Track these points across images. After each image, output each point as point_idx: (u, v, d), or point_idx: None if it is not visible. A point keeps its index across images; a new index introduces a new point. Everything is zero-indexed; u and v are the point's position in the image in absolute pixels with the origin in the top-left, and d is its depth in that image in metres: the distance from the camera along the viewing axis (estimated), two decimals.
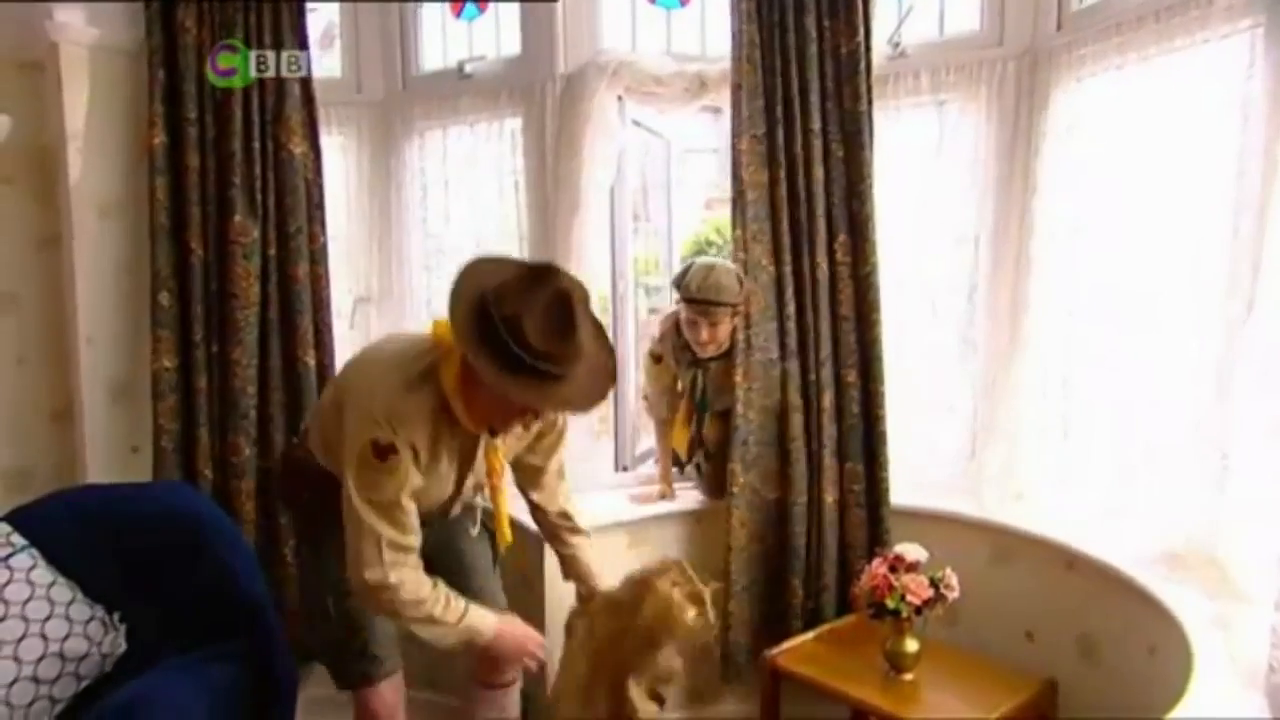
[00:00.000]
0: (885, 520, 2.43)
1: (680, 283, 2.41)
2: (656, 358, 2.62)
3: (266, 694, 2.00)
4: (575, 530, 2.01)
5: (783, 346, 2.42)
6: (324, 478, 1.72)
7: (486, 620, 1.72)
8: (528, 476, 1.96)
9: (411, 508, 1.61)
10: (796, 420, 2.41)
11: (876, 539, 2.41)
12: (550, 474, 1.96)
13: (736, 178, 2.38)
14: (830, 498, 2.43)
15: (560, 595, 2.39)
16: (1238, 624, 1.70)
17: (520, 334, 1.46)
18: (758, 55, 2.35)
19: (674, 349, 2.57)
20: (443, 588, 1.67)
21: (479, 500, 1.95)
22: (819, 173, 2.37)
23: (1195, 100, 1.98)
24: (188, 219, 2.44)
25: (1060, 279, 2.33)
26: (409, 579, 1.60)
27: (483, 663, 1.98)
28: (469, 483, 1.81)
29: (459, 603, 1.68)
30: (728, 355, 2.46)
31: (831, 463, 2.43)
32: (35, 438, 2.56)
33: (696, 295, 2.36)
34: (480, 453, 1.76)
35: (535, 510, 2.00)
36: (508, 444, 1.82)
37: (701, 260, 2.46)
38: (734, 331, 2.41)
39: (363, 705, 1.82)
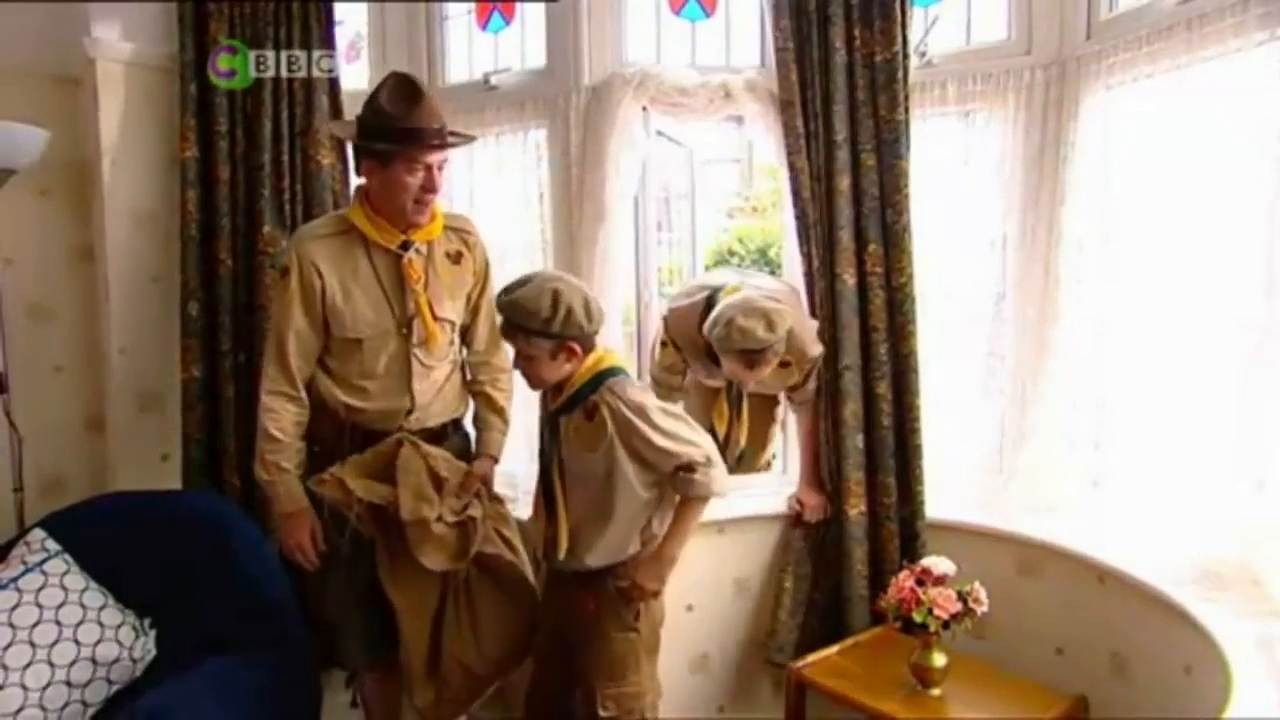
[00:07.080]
0: (921, 534, 2.40)
1: (712, 330, 2.25)
2: (664, 343, 2.55)
3: (291, 700, 2.02)
4: (493, 408, 2.13)
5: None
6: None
7: (294, 499, 1.91)
8: (465, 340, 2.12)
9: (302, 340, 1.89)
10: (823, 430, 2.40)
11: (910, 553, 2.37)
12: (480, 335, 2.10)
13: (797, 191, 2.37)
14: (853, 511, 2.40)
15: None
16: (1279, 643, 1.66)
17: (375, 105, 1.84)
18: (793, 65, 2.33)
19: (694, 348, 2.46)
20: (296, 451, 1.92)
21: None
22: (844, 182, 2.34)
23: (1229, 108, 1.95)
24: (217, 230, 2.48)
25: (1090, 288, 2.30)
26: (276, 408, 1.91)
27: None
28: (412, 319, 1.93)
29: (292, 468, 1.91)
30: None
31: (857, 475, 2.40)
32: (69, 445, 2.61)
33: (734, 347, 2.21)
34: (410, 285, 1.92)
35: (468, 384, 2.14)
36: (442, 280, 1.97)
37: (724, 306, 2.26)
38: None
39: (359, 688, 2.13)
